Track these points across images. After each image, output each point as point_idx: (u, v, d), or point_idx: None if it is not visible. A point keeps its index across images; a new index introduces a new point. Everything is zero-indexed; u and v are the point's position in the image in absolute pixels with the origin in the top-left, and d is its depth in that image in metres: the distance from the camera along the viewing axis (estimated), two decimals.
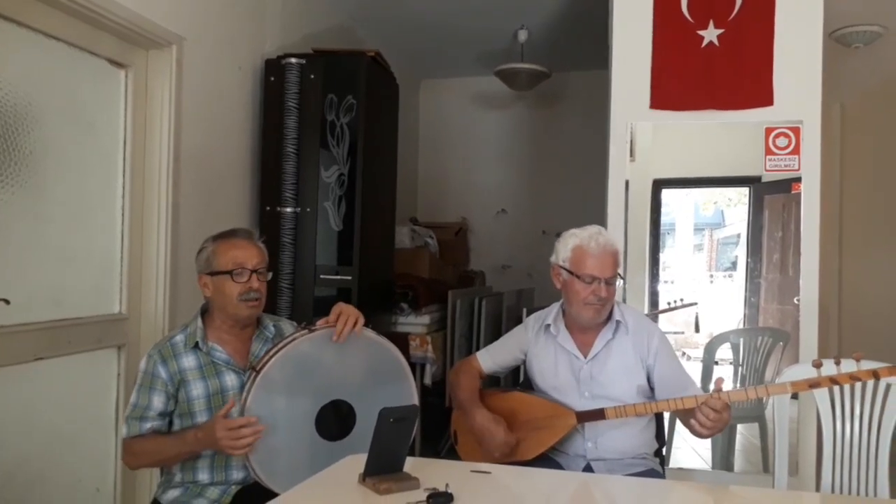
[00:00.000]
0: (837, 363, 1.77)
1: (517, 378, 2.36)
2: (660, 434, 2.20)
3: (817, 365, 1.75)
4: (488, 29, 4.52)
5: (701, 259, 4.54)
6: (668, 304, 3.45)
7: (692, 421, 1.78)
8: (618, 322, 2.07)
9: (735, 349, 3.34)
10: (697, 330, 3.51)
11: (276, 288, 3.08)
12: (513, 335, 2.27)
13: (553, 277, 2.10)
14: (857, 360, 1.75)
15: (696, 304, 3.51)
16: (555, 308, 2.16)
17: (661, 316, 3.39)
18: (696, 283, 3.89)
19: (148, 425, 1.82)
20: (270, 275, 1.95)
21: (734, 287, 3.64)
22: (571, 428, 2.01)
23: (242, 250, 1.88)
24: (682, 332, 3.55)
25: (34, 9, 2.16)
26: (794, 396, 2.02)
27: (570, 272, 2.01)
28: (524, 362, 2.23)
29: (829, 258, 4.91)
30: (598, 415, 1.97)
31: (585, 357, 2.07)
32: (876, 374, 1.74)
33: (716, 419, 1.71)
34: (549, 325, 2.13)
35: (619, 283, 2.07)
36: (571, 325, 2.11)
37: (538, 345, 2.15)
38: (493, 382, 2.40)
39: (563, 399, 2.06)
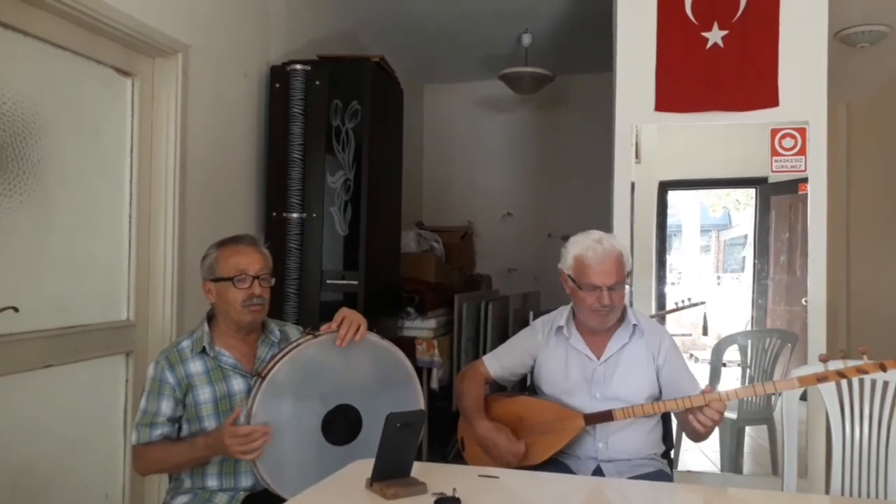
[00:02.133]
0: (844, 358, 1.77)
1: (523, 384, 2.35)
2: (667, 435, 2.20)
3: (824, 360, 1.76)
4: (492, 33, 4.52)
5: (708, 260, 4.53)
6: (676, 304, 3.44)
7: (695, 422, 1.80)
8: (634, 325, 2.08)
9: (743, 351, 3.32)
10: (706, 332, 3.50)
11: (282, 293, 3.09)
12: (521, 339, 2.26)
13: (562, 283, 2.11)
14: (864, 353, 1.75)
15: (703, 303, 3.50)
16: (565, 311, 2.16)
17: (668, 317, 3.38)
18: (704, 284, 3.88)
19: (158, 431, 1.82)
20: (274, 280, 1.95)
21: (741, 288, 3.63)
22: (580, 430, 2.01)
23: (245, 256, 1.89)
24: (690, 335, 3.54)
25: (40, 18, 2.17)
26: (803, 398, 2.01)
27: (574, 281, 2.03)
28: (532, 369, 2.22)
29: (837, 259, 4.89)
30: (606, 416, 1.97)
31: (598, 358, 2.08)
32: (883, 366, 1.73)
33: (718, 420, 1.79)
34: (561, 327, 2.13)
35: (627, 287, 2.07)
36: (583, 327, 2.12)
37: (548, 348, 2.15)
38: (499, 389, 2.39)
39: (572, 401, 2.06)
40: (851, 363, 1.75)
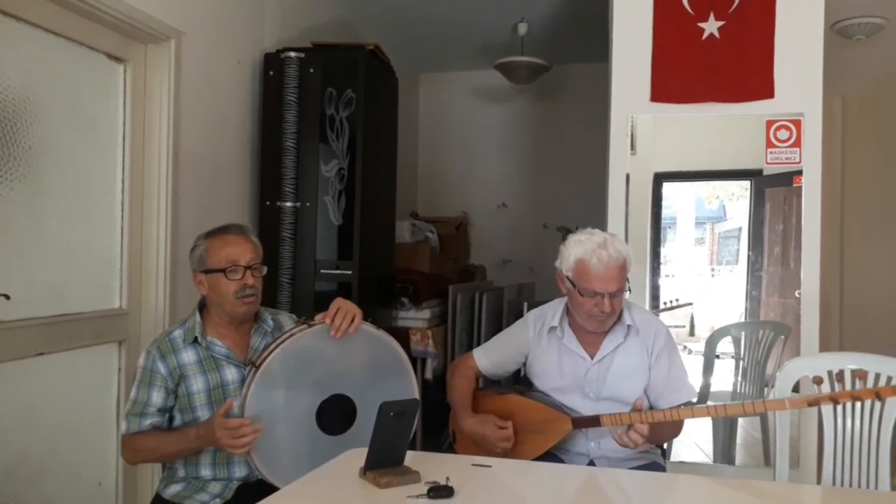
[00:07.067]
0: (839, 380, 1.76)
1: (517, 376, 2.34)
2: None
3: (818, 381, 1.74)
4: (488, 22, 4.50)
5: (702, 253, 4.53)
6: (665, 303, 3.44)
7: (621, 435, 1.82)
8: (628, 326, 2.03)
9: (736, 343, 3.33)
10: (692, 333, 3.51)
11: (276, 283, 3.08)
12: (511, 334, 2.21)
13: (558, 282, 2.05)
14: (861, 378, 1.73)
15: (690, 304, 3.50)
16: (559, 308, 2.10)
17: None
18: (698, 276, 3.88)
19: (148, 421, 1.82)
20: (266, 269, 1.93)
21: (735, 280, 3.64)
22: (567, 433, 1.99)
23: (235, 247, 1.86)
24: (684, 326, 3.55)
25: (32, 3, 2.15)
26: (795, 390, 2.01)
27: (574, 284, 1.96)
28: (524, 365, 2.18)
29: (831, 251, 4.90)
30: (594, 421, 1.92)
31: (592, 358, 2.04)
32: (878, 395, 1.69)
33: (637, 442, 1.81)
34: (554, 328, 2.08)
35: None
36: (577, 326, 2.06)
37: (540, 346, 2.11)
38: (492, 382, 2.38)
39: (565, 400, 2.04)
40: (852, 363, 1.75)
